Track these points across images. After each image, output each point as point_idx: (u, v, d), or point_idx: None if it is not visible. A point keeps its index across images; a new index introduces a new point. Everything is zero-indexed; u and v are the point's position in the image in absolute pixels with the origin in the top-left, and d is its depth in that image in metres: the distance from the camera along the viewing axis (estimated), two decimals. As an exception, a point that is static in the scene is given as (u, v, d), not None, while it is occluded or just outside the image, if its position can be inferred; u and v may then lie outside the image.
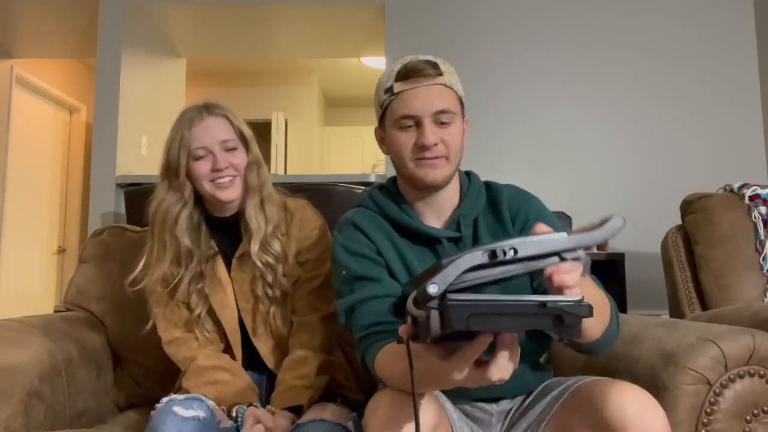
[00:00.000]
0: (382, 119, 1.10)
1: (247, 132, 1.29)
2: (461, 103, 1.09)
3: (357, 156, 6.06)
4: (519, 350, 0.66)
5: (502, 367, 0.65)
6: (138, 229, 1.59)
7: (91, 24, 3.38)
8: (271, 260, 1.25)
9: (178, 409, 1.04)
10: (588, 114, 3.16)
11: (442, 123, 1.03)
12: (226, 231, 1.30)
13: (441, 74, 1.04)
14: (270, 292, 1.26)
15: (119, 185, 3.12)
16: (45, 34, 3.98)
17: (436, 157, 1.03)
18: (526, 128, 3.15)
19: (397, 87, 1.04)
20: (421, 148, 1.03)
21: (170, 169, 1.26)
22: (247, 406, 1.16)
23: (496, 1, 3.26)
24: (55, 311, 1.93)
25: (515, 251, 0.61)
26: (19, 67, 4.20)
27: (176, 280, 1.25)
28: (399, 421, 0.82)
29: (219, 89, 5.26)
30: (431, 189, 1.07)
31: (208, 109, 1.27)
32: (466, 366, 0.65)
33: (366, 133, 5.66)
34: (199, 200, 1.29)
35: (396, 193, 1.13)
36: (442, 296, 0.59)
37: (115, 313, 1.51)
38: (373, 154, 5.78)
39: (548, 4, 3.24)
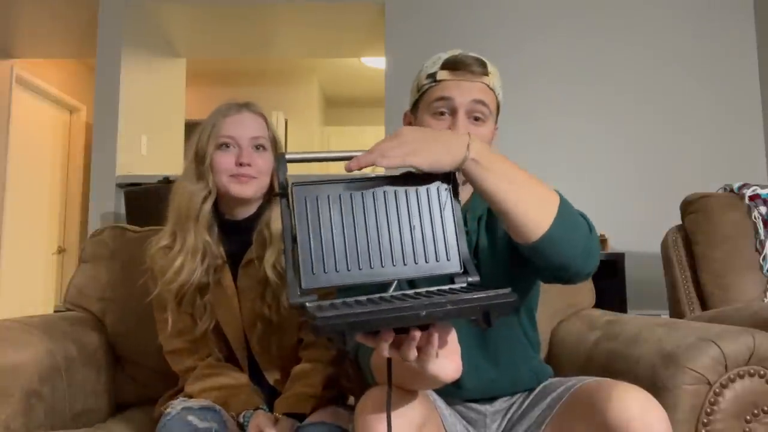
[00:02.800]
0: (416, 104, 1.09)
1: (281, 140, 1.28)
2: (499, 108, 1.08)
3: (357, 156, 6.06)
4: (447, 335, 0.73)
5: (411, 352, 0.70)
6: (138, 229, 1.59)
7: (91, 24, 3.38)
8: (274, 276, 1.20)
9: (193, 419, 1.03)
10: (588, 114, 3.16)
11: (476, 119, 1.03)
12: (236, 236, 1.25)
13: (487, 74, 1.04)
14: (268, 312, 1.21)
15: (119, 185, 3.12)
16: (45, 34, 3.99)
17: None
18: (527, 128, 3.15)
19: (441, 75, 1.04)
20: None
21: (198, 156, 1.22)
22: (254, 410, 1.15)
23: (496, 1, 3.26)
24: (55, 311, 1.93)
25: None
26: (19, 67, 4.20)
27: (184, 290, 1.20)
28: (384, 418, 0.82)
29: (219, 89, 5.25)
30: None
31: (247, 105, 1.26)
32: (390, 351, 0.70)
33: (366, 133, 5.66)
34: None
35: None
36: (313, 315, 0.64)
37: (115, 313, 1.51)
38: (373, 154, 5.76)
39: (549, 6, 3.24)
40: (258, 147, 1.22)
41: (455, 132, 0.83)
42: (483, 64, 1.05)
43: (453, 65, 1.04)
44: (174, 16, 3.65)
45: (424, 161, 0.77)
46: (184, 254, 1.19)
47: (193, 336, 1.24)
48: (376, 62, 4.87)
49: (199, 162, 1.22)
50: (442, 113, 1.03)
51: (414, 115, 1.10)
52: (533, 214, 0.83)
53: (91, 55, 3.42)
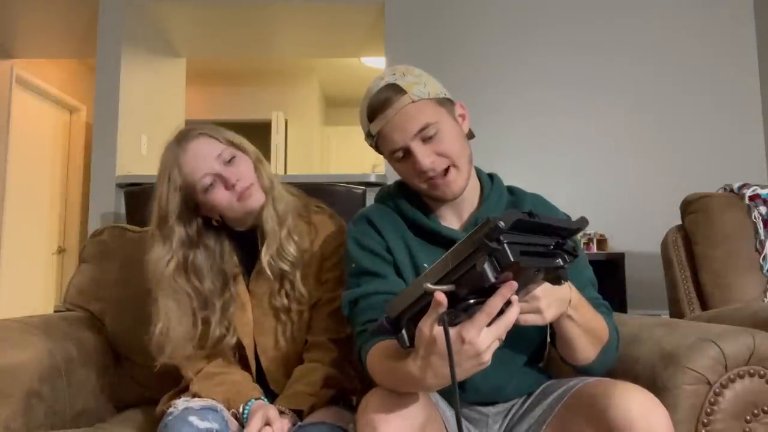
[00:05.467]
0: (381, 153, 1.11)
1: (234, 137, 1.23)
2: (442, 100, 1.05)
3: (357, 156, 6.05)
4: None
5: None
6: (138, 229, 1.59)
7: (91, 24, 3.38)
8: (286, 267, 1.20)
9: (194, 420, 1.03)
10: (588, 114, 3.16)
11: (430, 137, 1.01)
12: (246, 244, 1.26)
13: (405, 93, 1.01)
14: (286, 302, 1.22)
15: (119, 185, 3.11)
16: (45, 34, 3.98)
17: (444, 171, 1.02)
18: (527, 129, 3.15)
19: (373, 128, 1.05)
20: (421, 173, 1.02)
21: (160, 219, 1.19)
22: (255, 399, 1.15)
23: (495, 2, 3.26)
24: (55, 311, 1.93)
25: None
26: (19, 67, 4.20)
27: (205, 325, 1.20)
28: (388, 420, 0.82)
29: (219, 89, 5.26)
30: (453, 199, 1.07)
31: (184, 138, 1.20)
32: (486, 321, 0.70)
33: (366, 133, 5.65)
34: (209, 225, 1.24)
35: (415, 194, 1.12)
36: (498, 238, 0.65)
37: (115, 313, 1.51)
38: (373, 154, 5.70)
39: (549, 7, 3.24)
40: (227, 161, 1.19)
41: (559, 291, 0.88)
42: (396, 89, 1.01)
43: (373, 113, 1.03)
44: (174, 16, 3.65)
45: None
46: (184, 322, 1.19)
47: (201, 340, 1.23)
48: (376, 62, 4.87)
49: (162, 224, 1.19)
50: (402, 157, 1.03)
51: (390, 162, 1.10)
52: (587, 351, 0.99)
53: (91, 55, 3.42)
